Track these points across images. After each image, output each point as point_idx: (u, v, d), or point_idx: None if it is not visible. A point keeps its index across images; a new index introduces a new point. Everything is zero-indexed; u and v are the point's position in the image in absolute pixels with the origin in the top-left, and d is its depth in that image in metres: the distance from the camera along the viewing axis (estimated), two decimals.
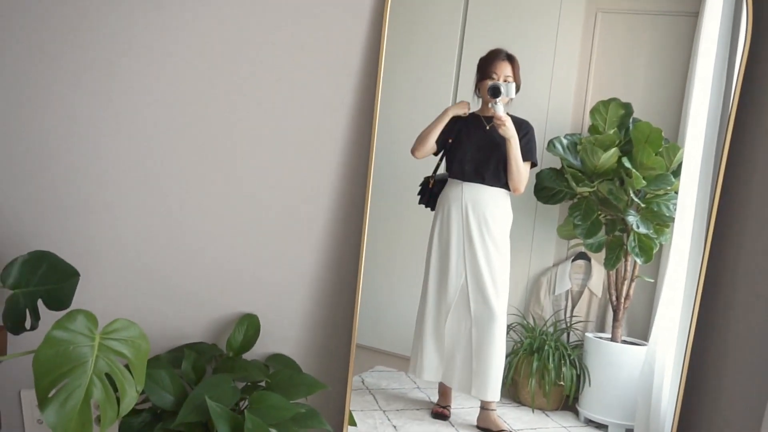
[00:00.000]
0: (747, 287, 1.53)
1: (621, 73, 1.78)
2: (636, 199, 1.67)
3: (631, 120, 1.71)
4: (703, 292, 1.56)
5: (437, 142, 1.75)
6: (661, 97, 1.72)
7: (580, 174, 1.71)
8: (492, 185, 1.71)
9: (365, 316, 1.90)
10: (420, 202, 1.78)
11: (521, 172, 1.69)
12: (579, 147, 1.71)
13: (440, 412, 1.76)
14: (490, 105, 1.70)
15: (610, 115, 1.72)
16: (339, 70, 1.65)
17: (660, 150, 1.66)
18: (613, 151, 1.68)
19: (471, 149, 1.72)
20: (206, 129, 1.60)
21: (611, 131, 1.70)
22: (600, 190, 1.71)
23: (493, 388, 1.70)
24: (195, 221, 1.61)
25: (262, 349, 1.64)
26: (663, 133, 1.66)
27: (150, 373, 1.36)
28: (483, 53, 1.77)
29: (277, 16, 1.61)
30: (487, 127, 1.72)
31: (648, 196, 1.68)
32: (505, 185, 1.71)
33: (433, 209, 1.76)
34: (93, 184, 1.55)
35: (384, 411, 1.72)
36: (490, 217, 1.71)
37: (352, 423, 1.62)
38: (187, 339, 1.62)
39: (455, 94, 1.83)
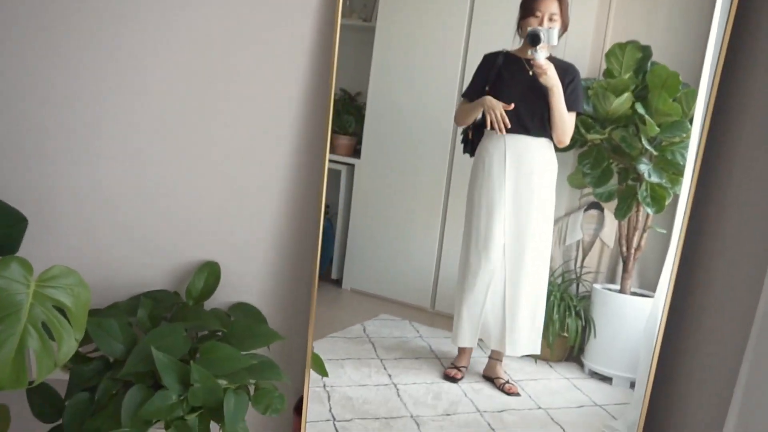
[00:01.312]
0: (731, 234, 1.47)
1: (643, 14, 1.69)
2: (649, 148, 1.60)
3: (649, 64, 1.62)
4: (686, 239, 1.51)
5: (472, 93, 1.66)
6: (683, 39, 1.63)
7: (590, 120, 1.64)
8: (537, 136, 1.61)
9: (371, 263, 1.90)
10: (464, 152, 1.70)
11: (566, 122, 1.58)
12: (590, 92, 1.64)
13: (453, 375, 1.70)
14: (529, 52, 1.58)
15: (626, 59, 1.63)
16: (296, 23, 1.56)
17: (677, 95, 1.58)
18: (626, 96, 1.60)
19: (513, 97, 1.60)
20: (169, 83, 1.53)
21: (627, 75, 1.62)
22: (613, 137, 1.64)
23: (531, 342, 1.66)
24: (156, 167, 1.57)
25: (224, 297, 1.60)
26: (682, 78, 1.57)
27: (99, 321, 1.33)
28: (493, 5, 1.70)
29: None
30: (530, 72, 1.59)
31: (663, 143, 1.61)
32: (551, 135, 1.61)
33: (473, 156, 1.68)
34: (46, 127, 1.50)
35: (381, 359, 1.72)
36: (536, 171, 1.62)
37: (324, 373, 1.58)
38: (149, 286, 1.58)
39: (467, 43, 1.76)
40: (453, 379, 1.69)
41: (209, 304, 1.55)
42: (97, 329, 1.32)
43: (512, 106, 1.61)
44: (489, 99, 1.63)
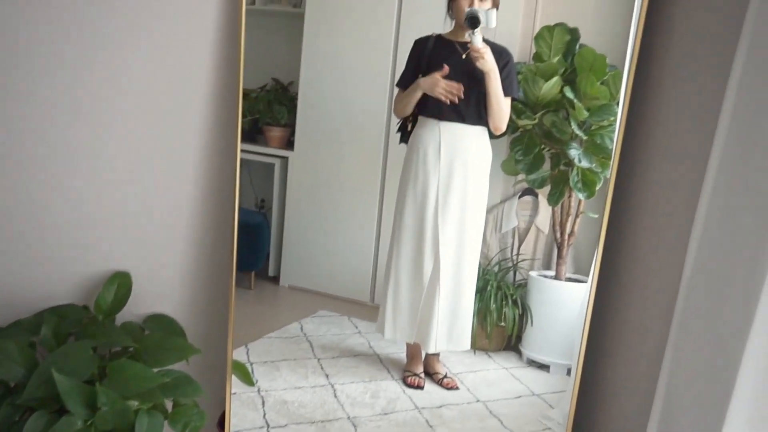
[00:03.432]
0: (653, 217, 1.47)
1: None
2: (579, 132, 1.58)
3: (577, 47, 1.60)
4: (610, 223, 1.49)
5: (406, 81, 1.61)
6: (610, 21, 1.62)
7: (520, 106, 1.61)
8: (472, 124, 1.57)
9: (308, 258, 1.86)
10: (401, 142, 1.66)
11: (503, 108, 1.54)
12: (520, 76, 1.61)
13: (416, 384, 1.65)
14: (467, 35, 1.52)
15: (555, 42, 1.61)
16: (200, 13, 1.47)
17: (605, 78, 1.56)
18: (555, 81, 1.58)
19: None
20: (65, 81, 1.41)
21: (556, 59, 1.60)
22: (544, 123, 1.62)
23: (464, 338, 1.64)
24: (56, 171, 1.44)
25: (138, 309, 1.51)
26: (609, 60, 1.56)
27: None
28: None
29: None
30: (464, 56, 1.53)
31: (592, 128, 1.60)
32: (486, 123, 1.57)
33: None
34: None
35: (318, 359, 1.68)
36: (471, 159, 1.59)
37: (249, 382, 1.50)
38: (55, 300, 1.47)
39: (398, 28, 1.72)
40: (418, 387, 1.65)
41: (122, 317, 1.46)
42: None
43: (446, 69, 1.55)
44: (422, 80, 1.58)
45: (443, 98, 1.56)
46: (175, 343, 1.34)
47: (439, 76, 1.55)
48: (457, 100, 1.56)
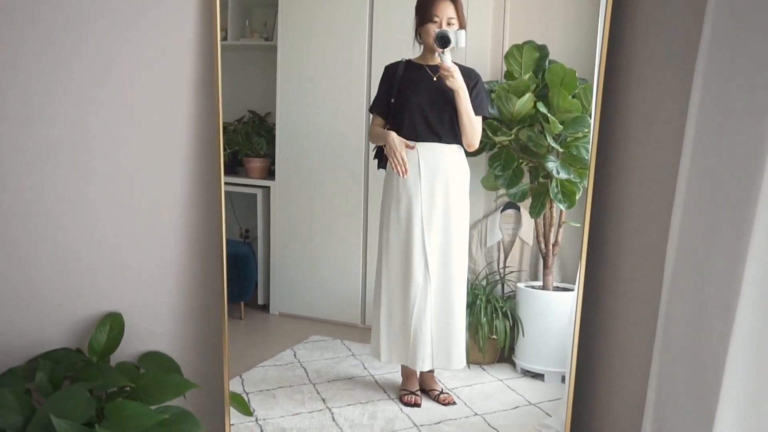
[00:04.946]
0: (631, 221, 1.50)
1: (538, 14, 1.73)
2: (555, 145, 1.63)
3: (547, 62, 1.65)
4: (591, 231, 1.51)
5: (379, 106, 1.65)
6: (577, 36, 1.67)
7: (496, 123, 1.66)
8: (448, 143, 1.60)
9: (297, 285, 1.87)
10: (379, 167, 1.69)
11: (474, 126, 1.58)
12: (493, 95, 1.66)
13: (413, 402, 1.65)
14: (437, 54, 1.56)
15: (525, 59, 1.66)
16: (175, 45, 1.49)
17: (576, 92, 1.61)
18: (528, 97, 1.62)
19: (421, 105, 1.60)
20: (52, 110, 1.41)
21: (527, 76, 1.65)
22: (520, 138, 1.67)
23: (459, 356, 1.65)
24: (42, 216, 1.44)
25: (132, 348, 1.51)
26: (579, 74, 1.61)
27: None
28: (392, 8, 1.69)
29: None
30: (435, 78, 1.58)
31: (568, 140, 1.64)
32: (461, 141, 1.61)
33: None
34: None
35: (314, 384, 1.68)
36: (451, 177, 1.62)
37: (247, 413, 1.49)
38: (48, 346, 1.45)
39: (370, 53, 1.75)
40: (415, 405, 1.65)
41: (116, 358, 1.45)
42: None
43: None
44: (391, 139, 1.62)
45: (392, 164, 1.62)
46: (172, 379, 1.34)
47: (405, 145, 1.61)
48: (403, 177, 1.61)
